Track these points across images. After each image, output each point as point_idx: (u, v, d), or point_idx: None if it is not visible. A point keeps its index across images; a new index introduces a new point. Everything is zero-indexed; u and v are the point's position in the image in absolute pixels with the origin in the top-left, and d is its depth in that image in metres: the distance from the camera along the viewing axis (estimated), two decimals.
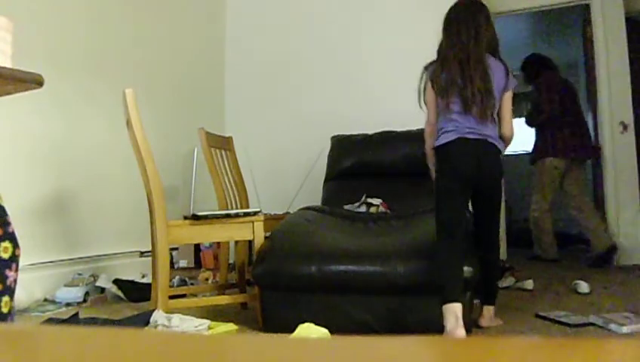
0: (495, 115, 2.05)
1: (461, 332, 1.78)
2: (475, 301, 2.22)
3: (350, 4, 4.25)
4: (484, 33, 2.06)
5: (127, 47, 3.61)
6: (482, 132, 2.01)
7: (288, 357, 0.29)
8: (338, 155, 3.31)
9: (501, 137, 2.09)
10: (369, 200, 2.91)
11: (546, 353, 0.29)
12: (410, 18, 4.04)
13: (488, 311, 2.20)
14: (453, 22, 2.12)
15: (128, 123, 2.22)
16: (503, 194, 2.17)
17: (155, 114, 3.67)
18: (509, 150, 7.37)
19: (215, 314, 2.46)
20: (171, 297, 2.30)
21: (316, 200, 3.23)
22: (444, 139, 2.05)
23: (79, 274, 2.95)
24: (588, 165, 5.93)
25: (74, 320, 2.16)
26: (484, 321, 2.18)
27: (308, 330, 1.71)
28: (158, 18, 3.93)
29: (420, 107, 2.19)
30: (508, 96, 2.08)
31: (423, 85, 2.16)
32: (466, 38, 2.05)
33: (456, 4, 2.18)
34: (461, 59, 2.02)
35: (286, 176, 4.17)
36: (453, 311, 1.81)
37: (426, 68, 2.17)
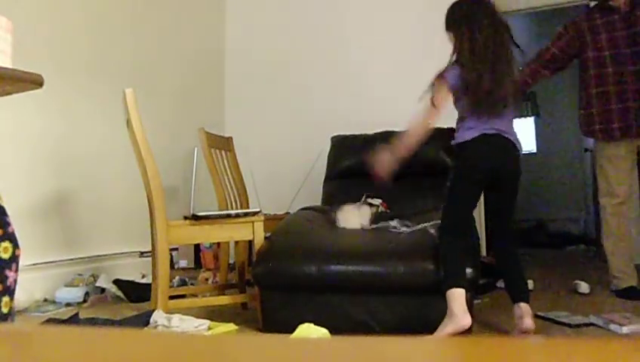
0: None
1: (467, 318, 1.81)
2: (476, 301, 2.23)
3: (350, 4, 4.25)
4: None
5: (127, 48, 3.61)
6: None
7: (288, 357, 0.29)
8: (338, 155, 3.31)
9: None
10: (369, 200, 2.91)
11: (546, 353, 0.29)
12: (411, 18, 4.04)
13: (527, 309, 1.95)
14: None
15: (128, 123, 2.22)
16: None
17: (155, 114, 3.66)
18: None
19: (215, 314, 2.46)
20: (171, 297, 2.30)
21: (316, 200, 3.23)
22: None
23: (79, 275, 2.94)
24: (588, 164, 5.93)
25: (74, 320, 2.16)
26: (529, 322, 1.92)
27: (308, 330, 1.71)
28: (159, 18, 3.93)
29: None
30: None
31: None
32: None
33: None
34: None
35: (286, 176, 4.17)
36: (458, 297, 1.83)
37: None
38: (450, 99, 2.06)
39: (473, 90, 1.95)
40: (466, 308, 1.83)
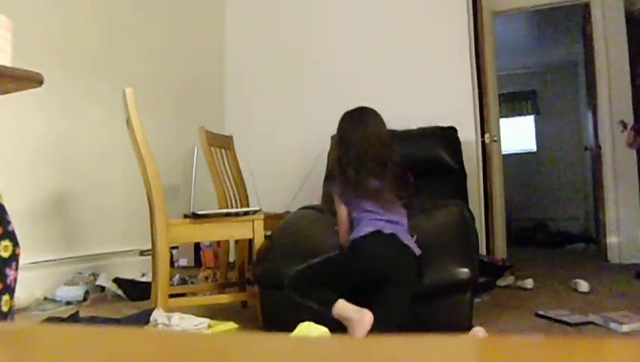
0: None
1: (365, 313, 1.76)
2: (476, 300, 2.22)
3: (350, 5, 4.25)
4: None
5: (128, 47, 3.60)
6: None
7: (288, 355, 0.29)
8: None
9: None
10: None
11: (546, 352, 0.29)
12: (411, 19, 4.04)
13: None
14: None
15: (128, 122, 2.22)
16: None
17: (155, 113, 3.66)
18: (512, 150, 7.34)
19: (215, 312, 2.46)
20: (171, 296, 2.30)
21: (316, 199, 3.23)
22: None
23: (79, 273, 2.95)
24: (588, 163, 5.93)
25: (74, 319, 2.17)
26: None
27: (308, 329, 1.71)
28: (159, 18, 3.93)
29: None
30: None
31: None
32: None
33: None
34: None
35: (286, 175, 4.17)
36: (343, 306, 1.80)
37: None
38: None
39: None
40: (355, 307, 1.78)
